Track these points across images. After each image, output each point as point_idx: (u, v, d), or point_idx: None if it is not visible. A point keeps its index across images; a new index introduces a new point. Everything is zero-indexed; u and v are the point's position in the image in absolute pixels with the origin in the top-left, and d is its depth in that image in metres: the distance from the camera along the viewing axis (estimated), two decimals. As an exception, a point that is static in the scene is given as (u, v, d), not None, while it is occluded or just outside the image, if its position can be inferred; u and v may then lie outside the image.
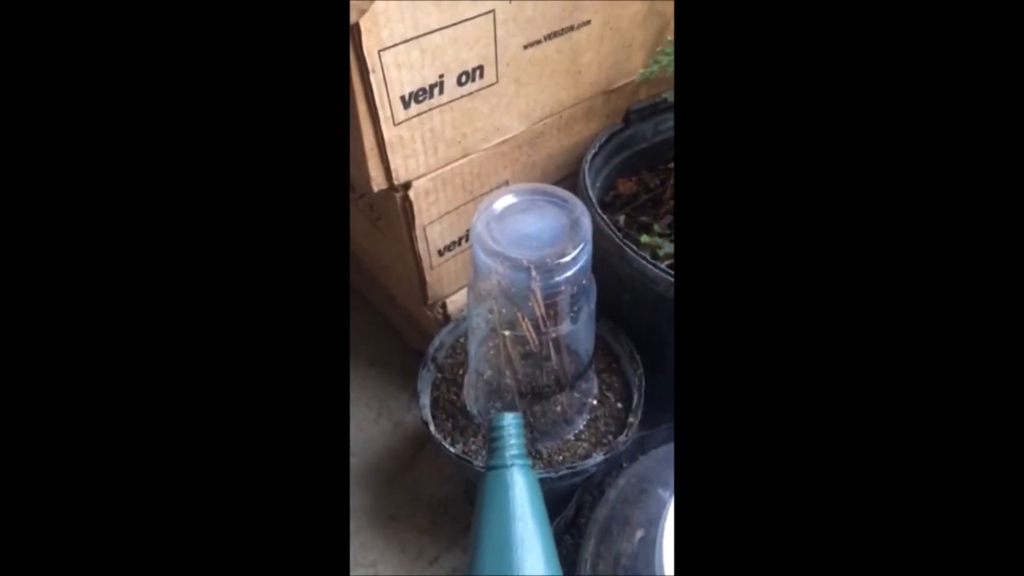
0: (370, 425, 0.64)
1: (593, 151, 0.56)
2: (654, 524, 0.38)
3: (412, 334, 0.68)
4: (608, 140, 0.58)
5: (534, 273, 0.35)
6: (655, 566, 0.35)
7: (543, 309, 0.37)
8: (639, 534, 0.40)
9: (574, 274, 0.37)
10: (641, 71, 0.43)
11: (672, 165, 0.59)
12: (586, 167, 0.54)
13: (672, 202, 0.59)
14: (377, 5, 0.37)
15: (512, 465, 0.33)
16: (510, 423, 0.35)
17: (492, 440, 0.35)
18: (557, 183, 0.61)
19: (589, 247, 0.38)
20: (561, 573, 0.32)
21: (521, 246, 0.36)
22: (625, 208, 0.60)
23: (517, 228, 0.37)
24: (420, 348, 0.59)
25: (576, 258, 0.37)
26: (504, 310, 0.40)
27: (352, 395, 0.67)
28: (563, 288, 0.37)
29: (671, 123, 0.61)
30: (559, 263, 0.36)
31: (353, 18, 0.36)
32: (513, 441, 0.35)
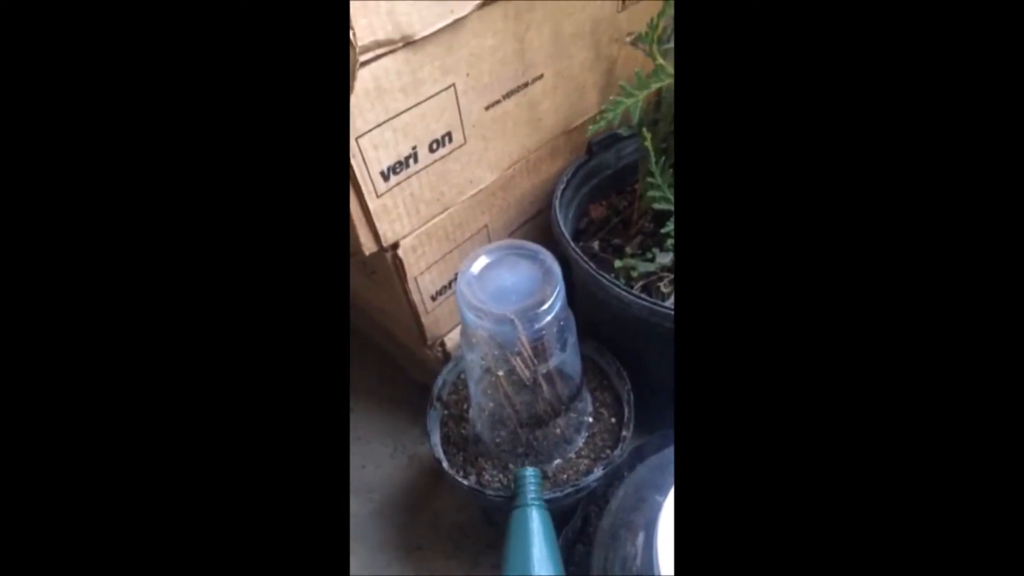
0: (386, 461, 0.69)
1: (562, 186, 0.61)
2: (652, 526, 0.42)
3: (416, 370, 0.72)
4: (575, 172, 0.63)
5: (518, 323, 0.40)
6: (654, 565, 0.39)
7: (530, 352, 0.42)
8: (640, 537, 0.45)
9: (554, 317, 0.42)
10: (591, 126, 0.48)
11: (637, 186, 0.64)
12: (556, 202, 0.59)
13: (641, 222, 0.63)
14: (352, 99, 0.41)
15: (531, 505, 0.45)
16: (530, 475, 0.47)
17: (516, 487, 0.47)
18: (533, 218, 0.65)
19: (563, 291, 0.42)
20: None
21: (502, 300, 0.41)
22: (599, 233, 0.65)
23: (496, 284, 0.42)
24: (426, 381, 0.63)
25: (554, 303, 0.41)
26: (496, 352, 0.45)
27: (366, 434, 0.71)
28: (545, 331, 0.42)
29: (631, 149, 0.66)
30: (538, 312, 0.40)
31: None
32: (532, 488, 0.46)
